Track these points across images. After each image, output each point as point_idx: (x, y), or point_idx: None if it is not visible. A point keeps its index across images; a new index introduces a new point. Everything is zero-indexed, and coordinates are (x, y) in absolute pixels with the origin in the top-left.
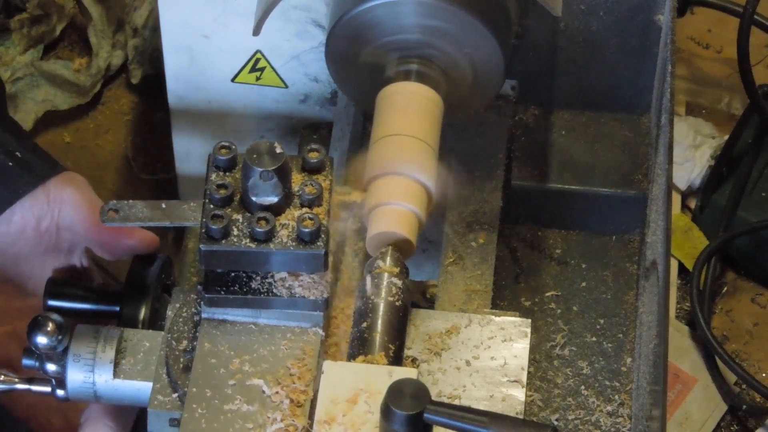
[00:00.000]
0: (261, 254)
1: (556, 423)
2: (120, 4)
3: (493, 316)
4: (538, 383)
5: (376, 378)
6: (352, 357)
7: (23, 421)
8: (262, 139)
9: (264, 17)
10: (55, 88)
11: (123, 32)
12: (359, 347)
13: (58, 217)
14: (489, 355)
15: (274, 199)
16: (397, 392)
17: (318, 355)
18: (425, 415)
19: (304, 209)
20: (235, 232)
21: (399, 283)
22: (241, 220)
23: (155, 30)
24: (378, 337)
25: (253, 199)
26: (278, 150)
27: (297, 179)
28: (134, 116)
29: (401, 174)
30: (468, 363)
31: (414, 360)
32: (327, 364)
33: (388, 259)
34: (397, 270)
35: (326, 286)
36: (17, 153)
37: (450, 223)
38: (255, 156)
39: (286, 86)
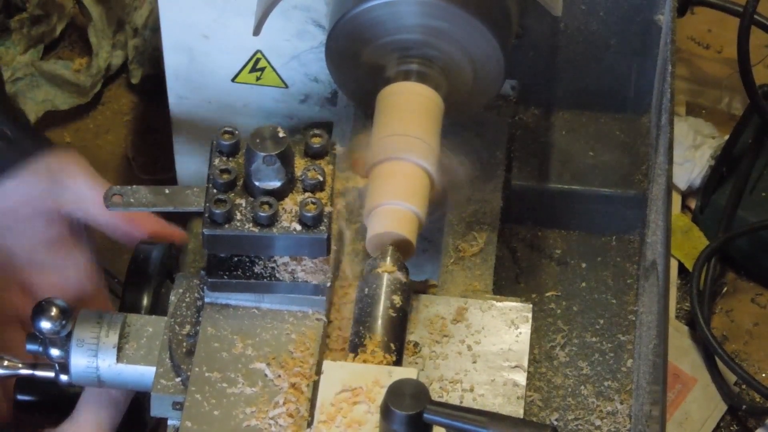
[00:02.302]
0: (264, 238)
1: (556, 423)
2: (120, 4)
3: (494, 302)
4: (538, 383)
5: (376, 378)
6: (352, 357)
7: None
8: None
9: (264, 17)
10: (55, 88)
11: (123, 32)
12: (359, 347)
13: (62, 200)
14: (491, 340)
15: (276, 184)
16: (397, 392)
17: (320, 340)
18: (425, 415)
19: (307, 194)
20: (238, 217)
21: (399, 283)
22: (244, 205)
23: (155, 30)
24: (378, 338)
25: (256, 183)
26: (281, 135)
27: (300, 164)
28: (134, 116)
29: (402, 159)
30: (470, 348)
31: (416, 345)
32: (327, 364)
33: (388, 259)
34: (397, 270)
35: (328, 270)
36: (7, 132)
37: (450, 223)
38: (258, 141)
39: (286, 86)
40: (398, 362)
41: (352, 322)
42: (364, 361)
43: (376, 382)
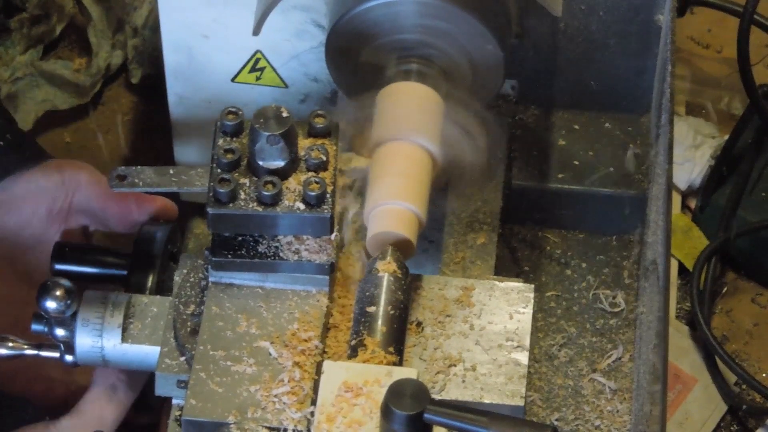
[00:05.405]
0: (268, 217)
1: (556, 423)
2: (120, 4)
3: (497, 282)
4: (538, 383)
5: (376, 378)
6: (352, 356)
7: (23, 394)
8: None
9: (264, 17)
10: (55, 88)
11: (123, 32)
12: (359, 347)
13: (73, 197)
14: (493, 320)
15: (280, 163)
16: (397, 392)
17: (324, 318)
18: (425, 415)
19: (310, 173)
20: (242, 196)
21: (399, 283)
22: (248, 184)
23: (155, 30)
24: (378, 338)
25: (260, 163)
26: (285, 114)
27: (303, 144)
28: (134, 116)
29: (405, 140)
30: (472, 327)
31: (419, 324)
32: (327, 364)
33: (388, 258)
34: (397, 270)
35: (332, 250)
36: (8, 135)
37: (450, 223)
38: (262, 120)
39: (286, 86)
40: (398, 362)
41: (352, 322)
42: (364, 361)
43: (376, 382)
